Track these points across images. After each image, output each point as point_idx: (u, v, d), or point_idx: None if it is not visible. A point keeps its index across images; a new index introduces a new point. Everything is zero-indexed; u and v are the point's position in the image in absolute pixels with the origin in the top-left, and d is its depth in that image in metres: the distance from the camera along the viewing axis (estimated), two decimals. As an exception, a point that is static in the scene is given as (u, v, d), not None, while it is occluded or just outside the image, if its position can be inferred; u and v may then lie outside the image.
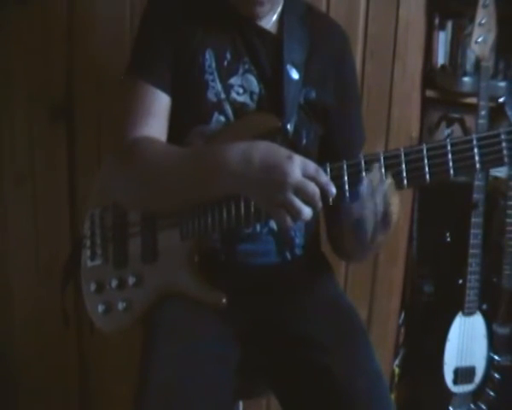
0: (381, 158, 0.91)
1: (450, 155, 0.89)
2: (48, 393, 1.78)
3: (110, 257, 1.15)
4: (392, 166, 0.91)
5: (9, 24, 1.57)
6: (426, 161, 0.90)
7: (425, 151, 0.90)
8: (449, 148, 0.89)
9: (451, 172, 0.89)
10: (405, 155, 0.91)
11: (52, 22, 1.57)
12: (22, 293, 1.73)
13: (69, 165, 1.67)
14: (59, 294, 1.25)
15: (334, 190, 0.91)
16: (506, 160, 0.88)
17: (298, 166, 0.89)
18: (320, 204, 0.90)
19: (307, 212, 0.89)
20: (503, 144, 0.87)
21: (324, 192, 0.90)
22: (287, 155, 0.90)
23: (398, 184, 0.91)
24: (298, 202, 0.88)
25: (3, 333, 1.76)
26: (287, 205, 0.89)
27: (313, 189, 0.89)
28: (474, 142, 0.88)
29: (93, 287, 1.15)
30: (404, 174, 0.91)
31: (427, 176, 0.90)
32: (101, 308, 1.14)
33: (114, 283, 1.13)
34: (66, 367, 1.78)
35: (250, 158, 0.92)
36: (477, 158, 0.88)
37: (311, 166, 0.90)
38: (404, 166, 0.91)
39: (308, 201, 0.89)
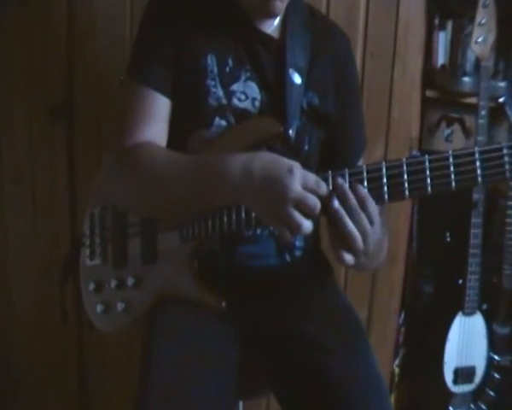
0: (383, 167, 0.91)
1: (452, 168, 0.88)
2: (48, 393, 1.79)
3: (109, 257, 1.15)
4: (393, 176, 0.91)
5: (9, 24, 1.57)
6: (428, 172, 0.89)
7: (427, 163, 0.89)
8: (451, 160, 0.89)
9: (453, 184, 0.89)
10: (407, 165, 0.90)
11: (52, 22, 1.58)
12: (22, 293, 1.73)
13: (69, 165, 1.67)
14: (58, 293, 1.25)
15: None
16: (508, 175, 0.87)
17: (298, 180, 0.87)
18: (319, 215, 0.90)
19: (307, 225, 0.88)
20: (506, 159, 0.87)
21: (326, 203, 0.90)
22: (287, 168, 0.88)
23: (400, 195, 0.91)
24: (297, 216, 0.87)
25: (3, 333, 1.76)
26: (286, 219, 0.87)
27: (314, 201, 0.87)
28: (477, 155, 0.88)
29: (92, 286, 1.15)
30: (406, 185, 0.90)
31: (429, 188, 0.89)
32: (99, 308, 1.14)
33: (113, 283, 1.13)
34: (66, 367, 1.78)
35: (250, 171, 0.90)
36: (479, 172, 0.88)
37: (311, 178, 0.89)
38: (405, 176, 0.90)
39: (309, 213, 0.88)
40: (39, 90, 1.62)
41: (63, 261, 1.27)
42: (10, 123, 1.64)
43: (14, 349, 1.77)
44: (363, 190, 0.90)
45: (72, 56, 1.60)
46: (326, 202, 0.90)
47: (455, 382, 1.75)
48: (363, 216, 0.89)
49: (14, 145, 1.65)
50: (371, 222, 0.90)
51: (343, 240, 0.89)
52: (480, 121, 1.58)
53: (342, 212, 0.89)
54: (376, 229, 0.92)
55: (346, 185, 0.90)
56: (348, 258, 0.90)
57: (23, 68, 1.61)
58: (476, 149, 0.88)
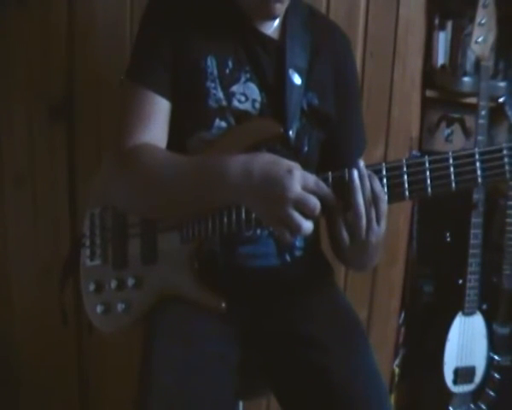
0: (383, 169, 0.91)
1: (452, 169, 0.89)
2: (48, 393, 1.79)
3: (109, 258, 1.15)
4: (393, 177, 0.91)
5: (9, 24, 1.57)
6: (428, 173, 0.90)
7: (427, 164, 0.90)
8: (451, 161, 0.89)
9: (453, 185, 0.90)
10: (407, 166, 0.91)
11: (52, 22, 1.57)
12: (22, 293, 1.73)
13: (69, 165, 1.67)
14: (58, 294, 1.25)
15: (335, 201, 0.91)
16: (508, 175, 0.88)
17: (297, 181, 0.88)
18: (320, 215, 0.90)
19: (307, 226, 0.89)
20: (506, 160, 0.88)
21: (325, 203, 0.90)
22: (287, 169, 0.89)
23: (400, 196, 0.91)
24: (297, 217, 0.88)
25: (3, 333, 1.76)
26: (286, 220, 0.88)
27: (314, 202, 0.88)
28: (477, 156, 0.88)
29: (92, 287, 1.15)
30: (406, 186, 0.91)
31: (429, 189, 0.90)
32: (99, 309, 1.14)
33: (114, 283, 1.12)
34: (66, 367, 1.78)
35: (250, 171, 0.91)
36: (479, 173, 0.89)
37: (311, 179, 0.90)
38: (405, 177, 0.91)
39: (309, 214, 0.88)
40: (39, 90, 1.61)
41: (63, 262, 1.27)
42: (10, 123, 1.64)
43: (14, 349, 1.77)
44: (380, 186, 0.91)
45: (72, 56, 1.60)
46: (326, 202, 0.90)
47: (455, 382, 1.75)
48: (372, 210, 0.90)
49: (14, 145, 1.65)
50: (378, 219, 0.91)
51: (347, 213, 0.91)
52: (480, 121, 1.59)
53: (358, 185, 0.90)
54: (380, 231, 0.93)
55: (366, 173, 0.91)
56: (345, 235, 0.92)
57: (23, 68, 1.61)
58: (476, 150, 0.89)
